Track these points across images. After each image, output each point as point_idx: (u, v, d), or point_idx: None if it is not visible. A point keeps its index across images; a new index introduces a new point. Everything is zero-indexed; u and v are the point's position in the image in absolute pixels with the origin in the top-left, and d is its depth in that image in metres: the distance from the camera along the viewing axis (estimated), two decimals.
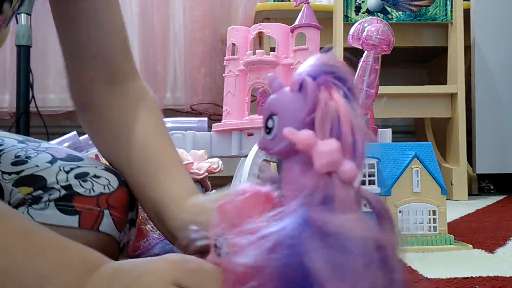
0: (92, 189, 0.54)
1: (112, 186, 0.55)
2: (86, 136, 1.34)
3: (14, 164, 0.55)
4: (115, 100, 0.60)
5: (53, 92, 2.26)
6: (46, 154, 0.57)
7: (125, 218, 0.55)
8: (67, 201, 0.53)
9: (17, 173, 0.54)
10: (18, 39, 1.92)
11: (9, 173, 0.54)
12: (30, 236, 0.34)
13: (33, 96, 2.02)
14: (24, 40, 1.91)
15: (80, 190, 0.53)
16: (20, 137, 0.61)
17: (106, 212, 0.53)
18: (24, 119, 1.95)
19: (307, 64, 0.28)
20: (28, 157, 0.56)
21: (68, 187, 0.53)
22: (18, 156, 0.56)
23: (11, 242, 0.33)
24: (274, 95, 0.29)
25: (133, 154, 0.57)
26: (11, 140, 0.59)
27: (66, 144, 1.24)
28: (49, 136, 2.05)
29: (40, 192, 0.53)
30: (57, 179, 0.53)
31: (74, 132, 1.31)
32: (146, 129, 0.58)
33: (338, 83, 0.28)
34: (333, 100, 0.27)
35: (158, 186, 0.54)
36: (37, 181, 0.53)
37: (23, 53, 1.93)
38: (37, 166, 0.55)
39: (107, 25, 0.59)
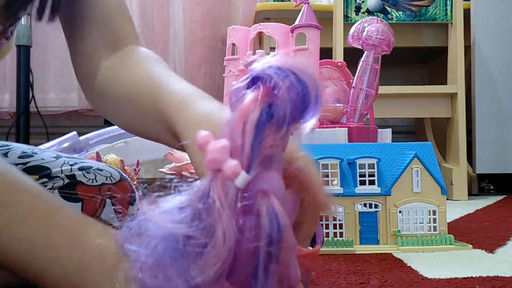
0: (95, 179, 0.56)
1: (114, 178, 0.57)
2: (86, 136, 1.35)
3: (20, 157, 0.57)
4: (122, 63, 0.59)
5: (53, 92, 2.26)
6: (50, 153, 0.60)
7: (126, 210, 0.57)
8: (71, 189, 0.55)
9: (24, 164, 0.56)
10: (18, 39, 1.92)
11: (16, 164, 0.56)
12: (75, 226, 0.38)
13: (33, 96, 2.02)
14: (24, 40, 1.91)
15: (83, 179, 0.56)
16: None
17: (108, 201, 0.56)
18: (24, 119, 1.95)
19: (262, 64, 0.29)
20: (34, 153, 0.58)
21: (72, 177, 0.55)
22: (25, 152, 0.58)
23: (59, 234, 0.36)
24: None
25: (135, 95, 0.54)
26: (19, 144, 0.62)
27: (66, 144, 1.24)
28: (49, 136, 2.05)
29: (45, 180, 0.55)
30: (61, 169, 0.56)
31: (74, 132, 1.31)
32: (145, 70, 0.56)
33: (273, 91, 0.28)
34: (242, 105, 0.28)
35: (162, 102, 0.50)
36: (42, 170, 0.55)
37: (23, 53, 1.93)
38: (43, 159, 0.57)
39: None
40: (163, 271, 0.26)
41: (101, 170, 0.57)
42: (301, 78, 0.28)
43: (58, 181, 0.55)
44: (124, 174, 0.59)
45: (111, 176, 0.57)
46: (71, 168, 0.56)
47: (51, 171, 0.55)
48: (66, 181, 0.55)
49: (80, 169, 0.56)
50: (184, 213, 0.27)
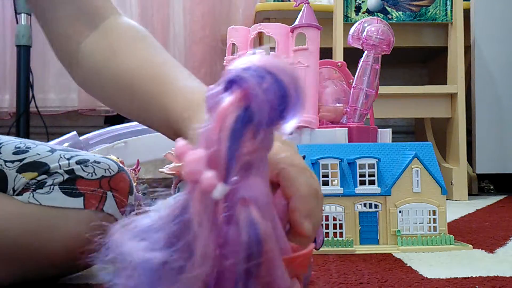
0: (94, 172, 0.56)
1: (113, 170, 0.57)
2: (86, 136, 1.35)
3: (15, 153, 0.57)
4: (102, 39, 0.57)
5: (53, 92, 2.26)
6: (44, 146, 0.59)
7: (126, 201, 0.57)
8: (71, 184, 0.54)
9: (20, 160, 0.56)
10: (18, 39, 1.93)
11: (12, 161, 0.55)
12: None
13: (33, 96, 2.03)
14: (24, 40, 1.92)
15: (82, 173, 0.55)
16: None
17: (109, 193, 0.55)
18: (24, 119, 1.95)
19: (236, 65, 0.28)
20: (28, 148, 0.58)
21: (71, 172, 0.55)
22: (18, 147, 0.58)
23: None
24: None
25: (134, 81, 0.54)
26: (8, 137, 0.61)
27: (66, 144, 1.25)
28: (49, 136, 2.05)
29: (44, 176, 0.54)
30: (59, 165, 0.55)
31: (74, 132, 1.31)
32: (140, 53, 0.55)
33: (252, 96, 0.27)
34: (217, 110, 0.27)
35: (168, 102, 0.51)
36: (40, 167, 0.55)
37: (23, 53, 1.93)
38: (39, 154, 0.57)
39: None
40: None
41: (99, 162, 0.57)
42: (278, 78, 0.27)
43: (58, 177, 0.54)
44: (121, 165, 0.59)
45: (109, 168, 0.57)
46: (69, 163, 0.56)
47: (49, 166, 0.55)
48: (66, 176, 0.54)
49: (77, 162, 0.56)
50: (159, 233, 0.26)
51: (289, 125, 0.28)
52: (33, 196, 0.53)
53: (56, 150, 0.58)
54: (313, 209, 0.37)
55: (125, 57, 0.55)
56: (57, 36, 0.59)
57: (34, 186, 0.54)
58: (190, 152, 0.26)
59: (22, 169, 0.55)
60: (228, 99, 0.27)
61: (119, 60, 0.55)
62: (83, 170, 0.55)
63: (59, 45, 0.60)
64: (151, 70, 0.53)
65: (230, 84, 0.28)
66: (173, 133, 0.50)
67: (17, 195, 0.54)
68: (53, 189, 0.54)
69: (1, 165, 0.55)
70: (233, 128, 0.26)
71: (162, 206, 0.27)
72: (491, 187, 2.02)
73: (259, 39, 1.83)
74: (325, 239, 0.77)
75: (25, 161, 0.55)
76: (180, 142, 0.26)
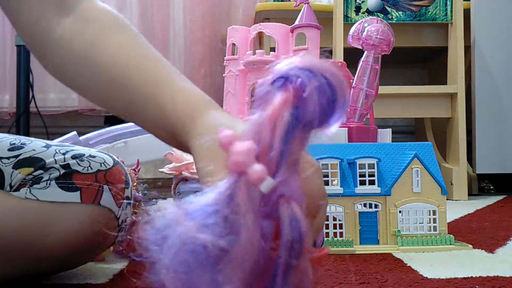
0: (90, 167, 0.56)
1: (108, 164, 0.57)
2: (86, 136, 1.35)
3: (10, 150, 0.57)
4: (74, 27, 0.53)
5: (53, 92, 2.26)
6: (39, 141, 0.59)
7: (122, 194, 0.57)
8: (67, 179, 0.54)
9: (15, 156, 0.56)
10: (18, 39, 1.92)
11: (8, 158, 0.55)
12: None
13: (33, 96, 2.02)
14: None
15: (78, 168, 0.55)
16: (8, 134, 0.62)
17: (106, 187, 0.55)
18: (24, 119, 1.95)
19: (291, 63, 0.29)
20: (23, 144, 0.58)
21: (67, 166, 0.55)
22: (13, 144, 0.58)
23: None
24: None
25: (119, 76, 0.50)
26: (2, 134, 0.61)
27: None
28: (49, 136, 2.05)
29: (40, 172, 0.55)
30: (55, 160, 0.55)
31: (74, 132, 1.31)
32: (122, 46, 0.52)
33: (301, 92, 0.27)
34: (272, 106, 0.27)
35: (164, 103, 0.47)
36: (36, 162, 0.55)
37: (23, 53, 1.93)
38: (34, 150, 0.57)
39: None
40: (186, 275, 0.26)
41: (94, 156, 0.57)
42: (330, 82, 0.28)
43: (54, 172, 0.54)
44: (116, 158, 0.59)
45: (105, 162, 0.57)
46: (64, 158, 0.56)
47: (45, 162, 0.55)
48: (62, 171, 0.54)
49: (73, 157, 0.56)
50: (210, 217, 0.26)
51: (334, 127, 0.29)
52: (30, 191, 0.53)
53: (51, 146, 0.58)
54: (319, 211, 0.37)
55: (107, 48, 0.52)
56: (25, 26, 0.55)
57: (30, 181, 0.54)
58: (238, 142, 0.26)
59: (18, 165, 0.55)
60: (282, 95, 0.27)
61: (99, 51, 0.52)
62: (79, 165, 0.55)
63: (30, 34, 0.55)
64: (140, 64, 0.50)
65: (281, 81, 0.28)
66: (169, 135, 0.47)
67: (14, 191, 0.54)
68: (49, 184, 0.54)
69: None
70: (288, 125, 0.27)
71: (206, 192, 0.27)
72: (491, 187, 2.02)
73: (259, 39, 1.83)
74: (325, 239, 0.77)
75: (20, 157, 0.56)
76: (227, 131, 0.27)
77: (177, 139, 0.46)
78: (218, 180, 0.28)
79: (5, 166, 0.55)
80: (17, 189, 0.54)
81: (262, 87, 0.29)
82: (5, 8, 0.56)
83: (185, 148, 0.46)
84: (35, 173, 0.54)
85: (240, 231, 0.26)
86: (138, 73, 0.50)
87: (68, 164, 0.55)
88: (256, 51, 0.93)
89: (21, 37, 0.57)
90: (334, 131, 0.29)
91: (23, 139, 0.59)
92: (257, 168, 0.26)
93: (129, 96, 0.50)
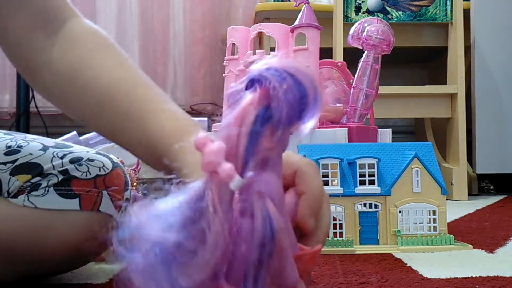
0: (88, 172, 0.55)
1: (107, 168, 0.56)
2: (86, 136, 1.34)
3: (7, 154, 0.55)
4: (61, 48, 0.53)
5: None
6: (35, 143, 0.57)
7: (121, 198, 0.56)
8: (66, 185, 0.53)
9: (12, 162, 0.54)
10: None
11: (5, 163, 0.54)
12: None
13: (33, 96, 2.02)
14: None
15: (77, 173, 0.54)
16: (3, 131, 0.60)
17: (105, 192, 0.54)
18: (24, 119, 1.96)
19: (262, 65, 0.29)
20: (20, 146, 0.56)
21: (65, 172, 0.54)
22: (9, 147, 0.56)
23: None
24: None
25: (107, 99, 0.51)
26: None
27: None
28: (49, 136, 2.04)
29: (38, 178, 0.53)
30: (53, 165, 0.54)
31: (74, 132, 1.31)
32: (109, 69, 0.52)
33: (272, 95, 0.28)
34: (239, 106, 0.28)
35: (150, 125, 0.48)
36: (33, 168, 0.54)
37: None
38: (31, 154, 0.55)
39: None
40: (153, 276, 0.26)
41: (92, 160, 0.55)
42: (299, 80, 0.28)
43: (52, 178, 0.53)
44: (115, 160, 0.58)
45: (104, 166, 0.56)
46: (62, 162, 0.54)
47: (43, 168, 0.54)
48: (60, 177, 0.53)
49: (71, 161, 0.55)
50: (176, 217, 0.27)
51: (307, 126, 0.29)
52: (28, 199, 0.52)
53: (49, 148, 0.56)
54: (322, 210, 0.38)
55: (93, 71, 0.52)
56: (11, 45, 0.55)
57: (28, 188, 0.53)
58: (210, 144, 0.27)
59: (15, 171, 0.54)
60: (249, 97, 0.29)
61: (85, 75, 0.52)
62: (77, 170, 0.54)
63: (18, 55, 0.55)
64: (126, 87, 0.51)
65: (252, 83, 0.29)
66: (154, 158, 0.48)
67: (12, 197, 0.53)
68: (48, 191, 0.53)
69: None
70: (253, 125, 0.28)
71: (180, 192, 0.28)
72: (491, 187, 2.02)
73: (259, 39, 1.83)
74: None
75: (17, 163, 0.54)
76: (201, 134, 0.28)
77: (162, 161, 0.46)
78: (193, 181, 0.28)
79: (2, 172, 0.53)
80: (15, 196, 0.53)
81: (233, 88, 0.30)
82: None
83: (168, 171, 0.46)
84: (33, 180, 0.53)
85: (207, 230, 0.26)
86: (125, 96, 0.51)
87: (67, 169, 0.54)
88: (256, 51, 0.93)
89: (10, 58, 0.56)
90: (309, 130, 0.29)
91: (19, 139, 0.57)
92: (226, 166, 0.26)
93: (116, 118, 0.51)
